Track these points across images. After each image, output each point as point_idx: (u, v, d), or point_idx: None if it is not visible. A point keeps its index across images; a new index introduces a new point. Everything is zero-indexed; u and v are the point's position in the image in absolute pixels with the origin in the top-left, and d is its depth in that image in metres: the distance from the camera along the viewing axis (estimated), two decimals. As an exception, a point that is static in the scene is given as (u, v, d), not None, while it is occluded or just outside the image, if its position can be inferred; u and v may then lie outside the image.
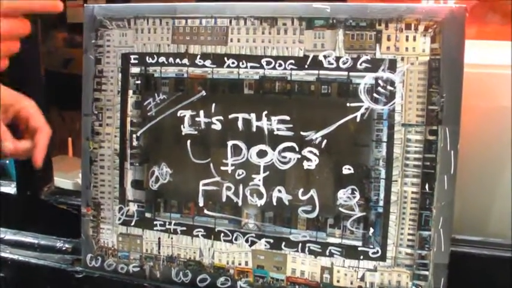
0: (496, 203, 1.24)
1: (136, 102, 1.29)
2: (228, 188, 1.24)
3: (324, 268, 1.19)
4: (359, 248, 1.16)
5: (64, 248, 1.51)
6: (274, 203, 1.21)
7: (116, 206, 1.34)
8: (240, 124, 1.21)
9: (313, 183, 1.18)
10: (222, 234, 1.26)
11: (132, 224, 1.33)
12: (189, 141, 1.25)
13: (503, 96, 1.20)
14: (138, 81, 1.29)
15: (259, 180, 1.21)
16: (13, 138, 1.08)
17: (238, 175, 1.23)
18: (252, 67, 1.20)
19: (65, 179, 1.75)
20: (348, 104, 1.14)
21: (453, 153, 1.09)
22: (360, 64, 1.13)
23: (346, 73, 1.14)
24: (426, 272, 1.13)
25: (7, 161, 2.06)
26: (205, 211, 1.26)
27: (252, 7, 1.20)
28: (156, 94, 1.27)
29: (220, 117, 1.23)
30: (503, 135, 1.20)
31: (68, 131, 2.64)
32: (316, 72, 1.16)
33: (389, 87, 1.11)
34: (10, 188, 1.63)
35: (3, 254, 1.50)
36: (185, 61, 1.24)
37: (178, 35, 1.24)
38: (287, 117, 1.18)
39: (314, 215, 1.19)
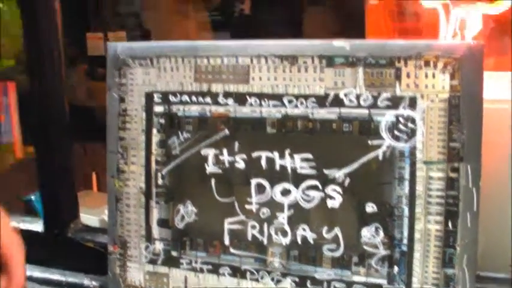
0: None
1: (161, 141, 1.40)
2: (253, 227, 1.33)
3: (350, 307, 1.28)
4: (384, 286, 1.24)
5: (91, 286, 1.61)
6: (299, 242, 1.30)
7: (143, 244, 1.44)
8: (263, 162, 1.31)
9: (337, 221, 1.26)
10: (248, 273, 1.34)
11: (159, 262, 1.42)
12: (213, 180, 1.35)
13: (502, 132, 1.27)
14: (162, 120, 1.39)
15: (284, 218, 1.30)
16: None
17: (263, 214, 1.32)
18: (274, 105, 1.29)
19: (90, 215, 1.86)
20: (369, 142, 1.22)
21: (475, 191, 1.16)
22: (381, 101, 1.21)
23: (367, 111, 1.22)
24: (452, 310, 1.20)
25: (32, 197, 2.20)
26: (231, 249, 1.35)
27: (272, 46, 1.30)
28: (180, 133, 1.37)
29: (244, 156, 1.32)
30: (501, 170, 1.27)
31: (91, 165, 2.77)
32: (337, 110, 1.25)
33: (410, 125, 1.19)
34: (37, 225, 1.74)
35: (31, 292, 1.62)
36: (208, 99, 1.34)
37: (201, 74, 1.35)
38: (310, 156, 1.27)
39: (339, 253, 1.27)
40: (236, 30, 3.37)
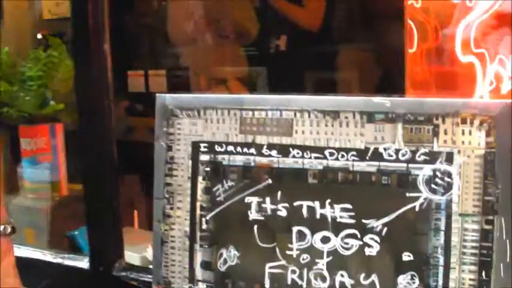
0: None
1: (206, 188, 1.46)
2: (293, 272, 1.38)
3: None
4: (419, 333, 1.27)
5: (135, 324, 1.69)
6: (337, 287, 1.35)
7: (186, 285, 1.49)
8: (304, 211, 1.36)
9: (375, 268, 1.31)
10: (288, 316, 1.39)
11: (201, 303, 1.48)
12: (255, 226, 1.41)
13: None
14: (208, 168, 1.46)
15: (323, 264, 1.35)
16: None
17: (303, 259, 1.37)
18: (315, 158, 1.35)
19: (132, 253, 1.93)
20: (407, 194, 1.28)
21: (509, 242, 1.20)
22: (419, 156, 1.27)
23: (405, 165, 1.28)
24: None
25: (76, 232, 2.29)
26: (271, 293, 1.40)
27: (315, 101, 1.37)
28: (224, 181, 1.44)
29: (286, 204, 1.38)
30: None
31: (130, 200, 2.85)
32: (376, 163, 1.30)
33: (446, 179, 1.25)
34: (83, 263, 1.82)
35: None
36: (252, 150, 1.41)
37: (246, 126, 1.42)
38: (349, 206, 1.32)
39: (375, 299, 1.32)
40: (272, 66, 3.44)
